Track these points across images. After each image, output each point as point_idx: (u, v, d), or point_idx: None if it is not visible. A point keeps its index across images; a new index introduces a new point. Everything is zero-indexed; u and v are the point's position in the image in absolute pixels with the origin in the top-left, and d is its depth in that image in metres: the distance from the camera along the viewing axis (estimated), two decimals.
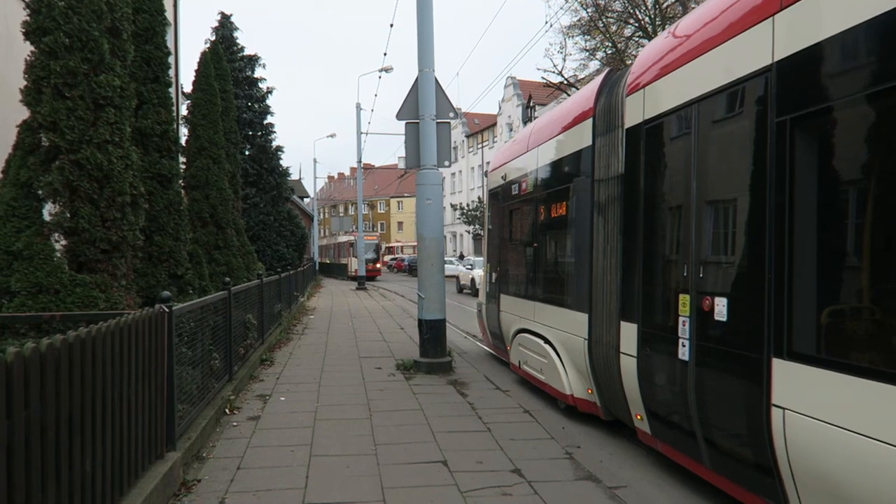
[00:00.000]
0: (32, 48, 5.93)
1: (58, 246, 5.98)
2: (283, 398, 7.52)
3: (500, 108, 54.37)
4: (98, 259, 6.04)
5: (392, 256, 63.47)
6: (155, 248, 7.82)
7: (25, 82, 5.93)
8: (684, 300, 4.57)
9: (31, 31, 5.90)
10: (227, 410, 6.73)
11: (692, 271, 4.51)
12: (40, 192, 5.90)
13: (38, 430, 2.75)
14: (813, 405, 3.31)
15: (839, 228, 3.31)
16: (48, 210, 6.07)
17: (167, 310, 4.81)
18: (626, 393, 5.55)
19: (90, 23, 5.96)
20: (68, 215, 5.93)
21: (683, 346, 4.55)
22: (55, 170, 5.83)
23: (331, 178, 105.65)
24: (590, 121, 6.43)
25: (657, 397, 5.07)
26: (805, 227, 3.46)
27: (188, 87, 14.82)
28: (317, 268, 44.49)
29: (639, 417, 5.41)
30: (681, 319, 4.60)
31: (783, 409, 3.51)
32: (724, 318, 4.12)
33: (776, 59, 3.69)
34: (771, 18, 3.75)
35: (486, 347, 11.48)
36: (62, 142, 5.81)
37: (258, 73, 30.10)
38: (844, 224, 3.28)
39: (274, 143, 29.97)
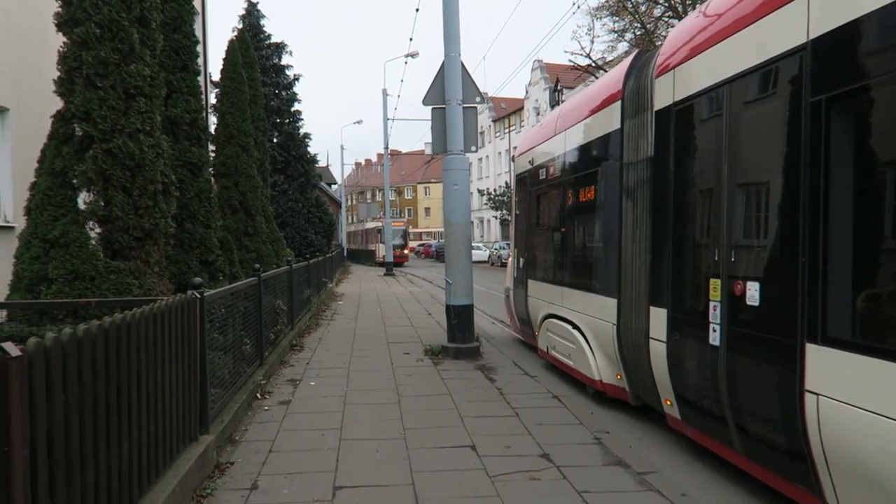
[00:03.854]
0: (65, 39, 6.03)
1: (92, 234, 6.10)
2: (313, 383, 7.62)
3: (527, 91, 53.88)
4: (131, 246, 6.15)
5: (420, 243, 63.72)
6: (186, 235, 7.94)
7: (59, 73, 6.03)
8: (715, 284, 4.51)
9: (64, 23, 5.99)
10: (258, 395, 6.84)
11: (723, 255, 4.44)
12: (75, 181, 6.01)
13: (77, 413, 2.83)
14: (848, 391, 3.25)
15: (876, 210, 3.22)
16: (83, 198, 6.19)
17: (199, 296, 4.89)
18: (655, 378, 5.51)
19: (120, 13, 6.02)
20: (102, 204, 6.04)
21: (714, 330, 4.49)
22: (89, 159, 5.93)
23: (358, 164, 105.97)
24: (618, 103, 6.34)
25: (687, 382, 5.03)
26: (841, 210, 3.38)
27: (216, 76, 14.94)
28: (345, 254, 44.81)
29: (668, 403, 5.37)
30: (711, 304, 4.54)
31: (817, 394, 3.45)
32: (757, 303, 4.06)
33: (811, 37, 3.59)
34: None
35: (513, 333, 11.46)
36: (95, 131, 5.90)
37: (285, 60, 30.30)
38: (882, 206, 3.19)
39: (301, 131, 30.18)
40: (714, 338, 4.50)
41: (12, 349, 2.35)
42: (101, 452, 3.06)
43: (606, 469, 4.76)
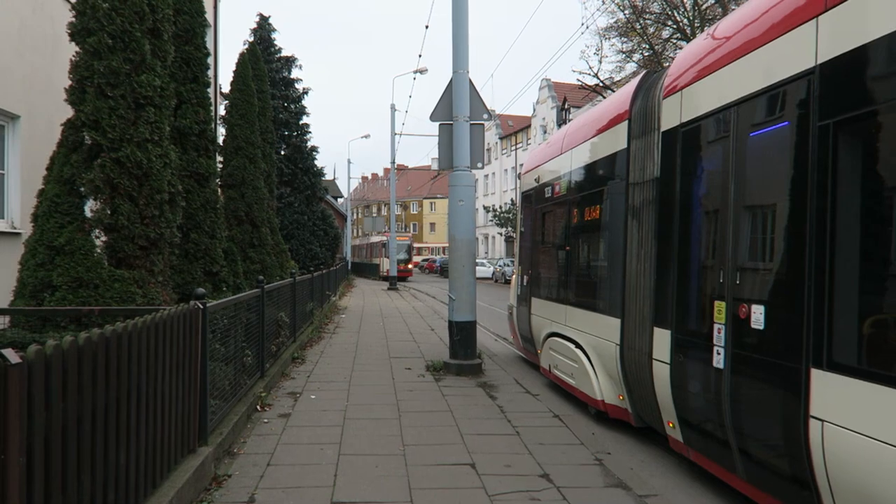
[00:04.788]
0: (77, 48, 6.08)
1: (98, 242, 6.11)
2: (313, 396, 7.58)
3: (534, 110, 54.11)
4: (136, 255, 6.16)
5: (425, 258, 63.80)
6: (191, 245, 7.95)
7: (70, 82, 6.08)
8: (720, 307, 4.48)
9: (76, 32, 6.05)
10: (258, 407, 6.81)
11: (728, 278, 4.42)
12: (82, 188, 6.04)
13: (75, 421, 2.81)
14: (853, 418, 3.22)
15: (883, 236, 3.21)
16: (89, 207, 6.21)
17: (202, 306, 4.88)
18: (658, 400, 5.47)
19: (132, 24, 6.08)
20: (108, 212, 6.06)
21: (718, 353, 4.46)
22: (97, 167, 5.96)
23: (364, 178, 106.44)
24: (625, 123, 6.36)
25: (690, 405, 4.98)
26: (847, 235, 3.37)
27: (226, 88, 15.03)
28: (349, 267, 44.83)
29: (671, 425, 5.32)
30: (716, 326, 4.51)
31: (821, 420, 3.41)
32: (761, 327, 4.03)
33: (820, 61, 3.59)
34: (814, 20, 3.66)
35: (516, 350, 11.42)
36: (104, 140, 5.93)
37: (294, 73, 30.47)
38: (888, 231, 3.18)
39: (309, 144, 30.29)
40: (718, 360, 4.46)
41: (12, 356, 2.34)
42: (98, 462, 3.04)
43: (607, 491, 4.70)
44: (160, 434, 3.92)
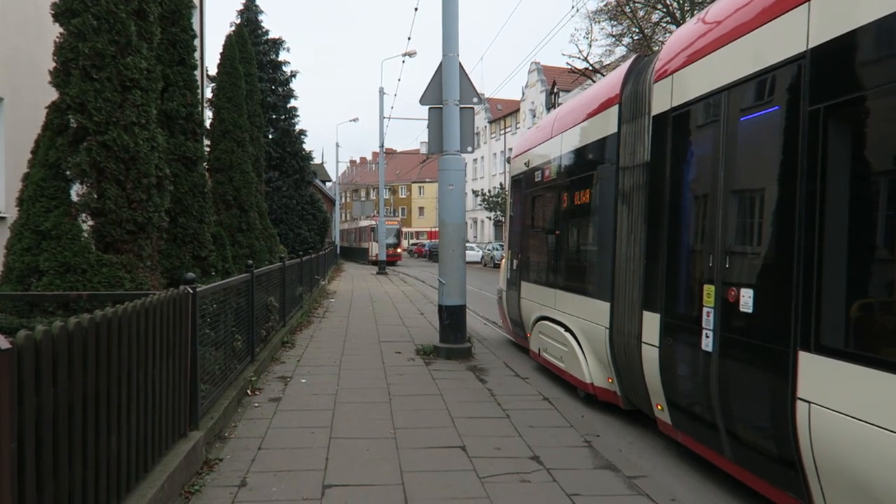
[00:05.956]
0: (61, 30, 5.99)
1: (85, 226, 6.06)
2: (303, 380, 7.59)
3: (523, 94, 53.93)
4: (124, 240, 6.11)
5: (414, 242, 63.74)
6: (179, 229, 7.90)
7: (55, 64, 5.99)
8: (709, 291, 4.52)
9: (60, 13, 5.95)
10: (248, 391, 6.81)
11: (718, 262, 4.45)
12: (68, 172, 5.97)
13: (66, 407, 2.80)
14: (840, 400, 3.26)
15: (872, 220, 3.24)
16: (76, 191, 6.15)
17: (191, 291, 4.86)
18: (646, 383, 5.52)
19: (118, 5, 5.99)
20: (95, 196, 6.00)
21: (707, 337, 4.50)
22: (83, 151, 5.89)
23: (353, 162, 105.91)
24: (616, 107, 6.35)
25: (679, 388, 5.04)
26: (836, 219, 3.39)
27: (213, 71, 14.89)
28: (338, 252, 44.75)
29: (659, 408, 5.38)
30: (705, 310, 4.55)
31: (809, 402, 3.46)
32: (750, 310, 4.07)
33: (811, 45, 3.60)
34: (806, 4, 3.66)
35: (506, 334, 11.47)
36: (90, 123, 5.86)
37: (282, 56, 30.18)
38: (877, 216, 3.21)
39: (297, 127, 30.08)
40: (707, 344, 4.50)
41: (2, 342, 2.33)
42: (90, 447, 3.03)
43: (596, 472, 4.76)
44: (151, 419, 3.92)
